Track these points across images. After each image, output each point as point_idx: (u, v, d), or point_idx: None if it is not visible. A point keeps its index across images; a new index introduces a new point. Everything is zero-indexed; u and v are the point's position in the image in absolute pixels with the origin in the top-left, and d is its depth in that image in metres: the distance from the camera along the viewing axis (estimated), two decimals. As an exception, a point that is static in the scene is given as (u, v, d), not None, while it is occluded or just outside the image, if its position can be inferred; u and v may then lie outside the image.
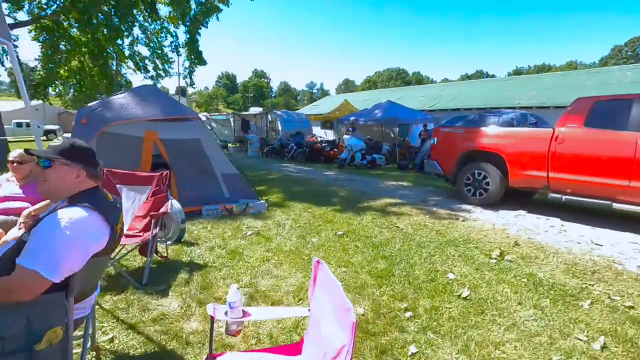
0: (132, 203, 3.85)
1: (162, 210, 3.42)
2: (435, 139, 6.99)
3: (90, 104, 5.38)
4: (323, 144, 14.94)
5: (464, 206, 6.22)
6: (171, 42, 17.87)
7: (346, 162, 12.17)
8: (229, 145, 19.80)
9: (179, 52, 17.07)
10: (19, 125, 31.68)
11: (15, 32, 14.33)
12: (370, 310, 2.72)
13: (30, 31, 15.45)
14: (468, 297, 2.92)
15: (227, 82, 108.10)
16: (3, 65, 15.90)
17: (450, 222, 5.20)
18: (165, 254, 3.75)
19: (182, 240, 4.25)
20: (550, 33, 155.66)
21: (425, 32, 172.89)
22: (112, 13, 14.06)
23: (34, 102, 36.95)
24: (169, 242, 4.14)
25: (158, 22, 17.44)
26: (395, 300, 2.88)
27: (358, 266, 3.57)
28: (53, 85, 17.26)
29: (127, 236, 3.41)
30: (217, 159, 5.91)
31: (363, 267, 3.56)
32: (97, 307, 2.51)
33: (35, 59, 15.98)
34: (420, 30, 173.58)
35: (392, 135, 15.45)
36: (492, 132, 6.18)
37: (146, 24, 17.32)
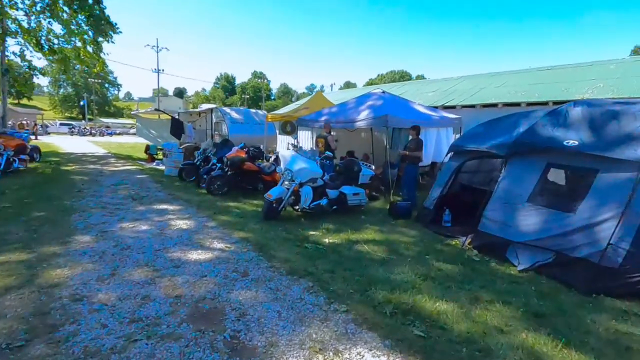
0: None
1: None
2: None
3: None
4: (263, 163, 8.45)
5: None
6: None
7: (282, 206, 5.63)
8: (157, 156, 13.37)
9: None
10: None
11: None
12: None
13: None
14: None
15: (226, 84, 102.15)
16: None
17: None
18: None
19: None
20: (564, 35, 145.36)
21: (429, 35, 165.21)
22: None
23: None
24: None
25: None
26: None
27: None
28: None
29: None
30: None
31: None
32: None
33: None
34: (424, 32, 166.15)
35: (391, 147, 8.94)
36: None
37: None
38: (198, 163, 9.46)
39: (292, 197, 5.79)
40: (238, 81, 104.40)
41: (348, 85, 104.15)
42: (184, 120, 13.93)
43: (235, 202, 6.86)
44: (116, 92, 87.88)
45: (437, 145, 8.89)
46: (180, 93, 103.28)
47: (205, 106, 15.34)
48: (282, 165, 5.90)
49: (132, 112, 16.75)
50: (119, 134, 42.31)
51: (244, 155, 7.63)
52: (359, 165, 6.53)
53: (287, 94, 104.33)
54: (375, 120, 7.52)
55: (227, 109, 14.07)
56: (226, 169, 7.69)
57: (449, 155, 6.01)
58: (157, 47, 40.58)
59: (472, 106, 9.86)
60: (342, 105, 9.61)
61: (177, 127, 13.49)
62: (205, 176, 8.20)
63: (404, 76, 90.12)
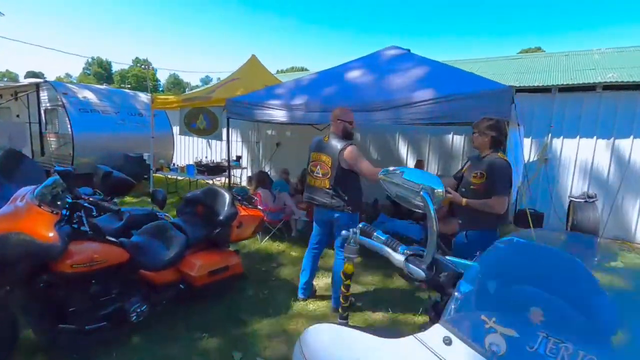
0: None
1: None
2: None
3: None
4: (145, 227, 2.75)
5: None
6: None
7: None
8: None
9: None
10: None
11: None
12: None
13: None
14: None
15: (100, 70, 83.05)
16: None
17: None
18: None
19: None
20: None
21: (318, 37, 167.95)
22: None
23: None
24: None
25: None
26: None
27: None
28: None
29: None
30: None
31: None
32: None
33: None
34: (313, 34, 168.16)
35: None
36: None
37: None
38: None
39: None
40: (116, 68, 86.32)
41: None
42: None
43: None
44: None
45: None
46: (35, 76, 79.81)
47: (27, 80, 8.10)
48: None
49: None
50: None
51: (48, 219, 1.81)
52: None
53: (178, 85, 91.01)
54: (436, 106, 2.71)
55: (72, 87, 7.31)
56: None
57: None
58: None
59: (549, 89, 5.69)
60: (318, 77, 4.43)
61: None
62: None
63: (304, 72, 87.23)
